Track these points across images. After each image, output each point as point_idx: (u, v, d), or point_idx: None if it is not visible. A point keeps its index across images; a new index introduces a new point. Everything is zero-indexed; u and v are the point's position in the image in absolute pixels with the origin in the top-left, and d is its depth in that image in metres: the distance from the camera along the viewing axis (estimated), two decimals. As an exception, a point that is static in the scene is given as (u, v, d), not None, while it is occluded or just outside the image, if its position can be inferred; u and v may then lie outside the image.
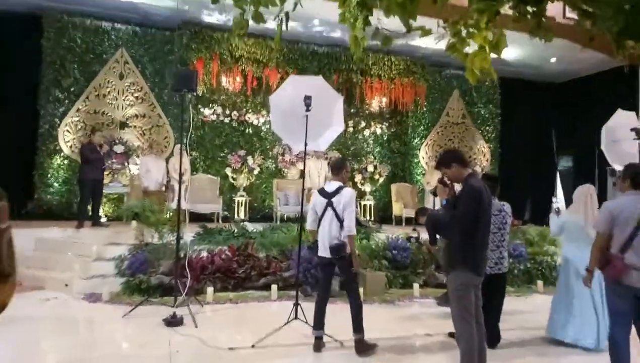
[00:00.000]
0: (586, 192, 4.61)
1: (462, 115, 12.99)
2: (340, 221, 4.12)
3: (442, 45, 2.93)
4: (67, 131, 9.71)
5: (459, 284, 3.11)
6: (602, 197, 9.56)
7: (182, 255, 6.33)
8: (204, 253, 6.54)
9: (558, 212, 5.36)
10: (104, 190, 8.63)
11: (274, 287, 6.00)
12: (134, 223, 7.12)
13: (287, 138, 4.93)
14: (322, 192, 4.32)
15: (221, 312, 5.34)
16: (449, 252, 3.17)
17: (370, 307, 5.77)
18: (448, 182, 3.28)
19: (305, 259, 6.14)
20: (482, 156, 13.04)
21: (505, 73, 13.24)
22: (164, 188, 9.02)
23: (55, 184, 9.61)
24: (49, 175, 9.55)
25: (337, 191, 4.22)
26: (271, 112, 4.85)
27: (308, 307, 5.44)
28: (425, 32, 2.55)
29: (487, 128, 13.30)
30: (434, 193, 3.43)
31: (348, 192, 4.26)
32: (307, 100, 4.51)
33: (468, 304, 3.09)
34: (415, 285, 6.42)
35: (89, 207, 8.14)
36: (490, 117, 13.36)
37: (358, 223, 9.46)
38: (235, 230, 7.53)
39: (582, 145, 12.19)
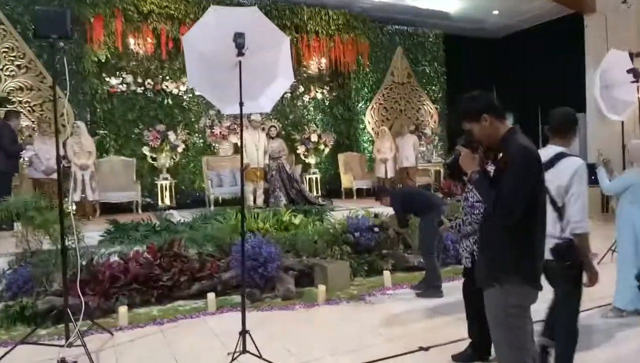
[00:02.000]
0: None
1: (407, 75, 11.99)
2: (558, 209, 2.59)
3: None
4: None
5: (510, 306, 1.90)
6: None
7: (82, 263, 4.81)
8: (115, 259, 5.00)
9: (607, 163, 4.46)
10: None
11: (210, 295, 4.62)
12: (16, 226, 5.39)
13: (212, 96, 3.51)
14: None
15: (139, 341, 3.89)
16: (489, 256, 1.97)
17: (336, 308, 4.59)
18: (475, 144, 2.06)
19: (248, 252, 4.81)
20: (430, 117, 12.17)
21: (448, 29, 12.39)
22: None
23: None
24: None
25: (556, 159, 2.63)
26: (186, 58, 3.39)
27: (259, 319, 4.18)
28: None
29: (433, 88, 12.44)
30: (452, 167, 2.15)
31: (575, 163, 2.58)
32: (239, 39, 3.09)
33: (522, 333, 1.91)
34: (386, 274, 5.31)
35: None
36: (436, 75, 12.50)
37: (307, 201, 8.27)
38: (157, 223, 5.99)
39: (525, 102, 11.63)
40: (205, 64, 3.33)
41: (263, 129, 8.42)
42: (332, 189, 10.72)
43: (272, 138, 8.25)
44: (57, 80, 4.02)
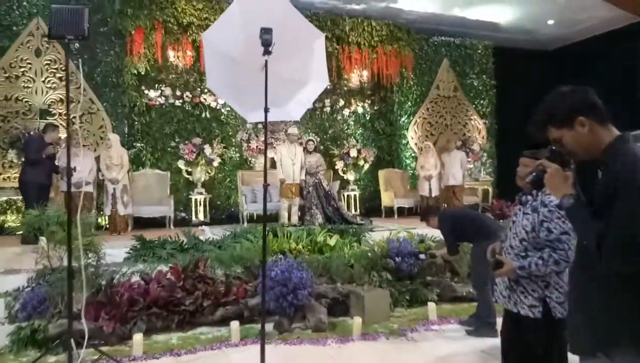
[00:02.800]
0: None
1: (453, 88, 11.38)
2: None
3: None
4: (-26, 124, 7.64)
5: None
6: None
7: (102, 283, 4.52)
8: (136, 279, 4.68)
9: None
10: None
11: (234, 324, 4.19)
12: (41, 240, 5.20)
13: (235, 102, 3.13)
14: None
15: (153, 376, 3.52)
16: (591, 314, 1.40)
17: (373, 345, 4.05)
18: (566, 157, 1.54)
19: (277, 277, 4.37)
20: (477, 133, 11.46)
21: (498, 40, 11.70)
22: (91, 190, 7.07)
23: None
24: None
25: None
26: (206, 58, 3.03)
27: (285, 354, 3.72)
28: None
29: (482, 101, 11.74)
30: (537, 184, 1.61)
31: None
32: (266, 35, 2.69)
33: None
34: (431, 305, 4.72)
35: None
36: (484, 89, 11.80)
37: (344, 219, 7.78)
38: (184, 241, 5.67)
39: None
40: (227, 64, 2.95)
41: (300, 143, 8.05)
42: (372, 207, 10.19)
43: (310, 152, 7.85)
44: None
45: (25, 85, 7.93)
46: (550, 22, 11.27)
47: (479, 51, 11.76)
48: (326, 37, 9.41)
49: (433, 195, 9.16)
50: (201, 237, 6.21)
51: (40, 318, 4.14)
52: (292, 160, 7.42)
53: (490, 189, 10.59)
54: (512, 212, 2.63)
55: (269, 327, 4.42)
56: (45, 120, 7.97)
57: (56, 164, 6.61)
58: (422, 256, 5.12)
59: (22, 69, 7.91)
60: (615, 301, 1.36)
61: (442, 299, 5.26)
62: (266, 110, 2.68)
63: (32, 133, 7.24)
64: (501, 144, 11.51)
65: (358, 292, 4.67)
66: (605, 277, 1.36)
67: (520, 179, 2.53)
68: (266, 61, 2.72)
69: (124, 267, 4.91)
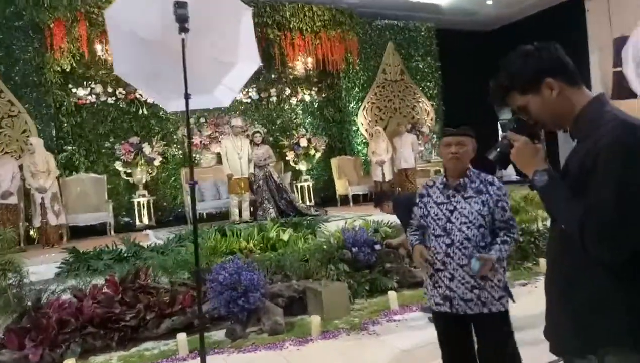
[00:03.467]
0: None
1: (399, 71, 11.28)
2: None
3: None
4: None
5: None
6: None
7: (28, 304, 4.01)
8: (66, 297, 4.18)
9: None
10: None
11: (181, 336, 3.80)
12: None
13: (150, 89, 2.73)
14: None
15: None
16: (578, 311, 1.16)
17: (334, 344, 3.79)
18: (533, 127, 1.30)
19: (226, 281, 4.02)
20: (426, 115, 11.44)
21: (441, 22, 11.69)
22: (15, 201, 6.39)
23: None
24: None
25: None
26: (110, 39, 2.61)
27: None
28: None
29: (428, 84, 11.72)
30: (502, 161, 1.35)
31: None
32: (180, 9, 2.30)
33: None
34: (391, 294, 4.51)
35: None
36: (430, 71, 11.78)
37: (298, 212, 7.48)
38: (122, 249, 5.18)
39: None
40: (136, 45, 2.54)
41: (247, 136, 7.65)
42: (327, 197, 9.96)
43: (257, 144, 7.47)
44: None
45: None
46: (489, 1, 11.38)
47: (423, 33, 11.72)
48: (267, 24, 9.16)
49: (386, 179, 9.03)
50: (145, 243, 5.75)
51: (-48, 352, 3.60)
52: (238, 154, 7.02)
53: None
54: (427, 203, 2.28)
55: (221, 334, 4.08)
56: (-42, 127, 7.16)
57: None
58: (377, 246, 4.90)
59: None
60: (606, 295, 1.13)
61: (403, 286, 5.08)
62: (187, 96, 2.31)
63: None
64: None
65: (315, 288, 4.39)
66: (592, 266, 1.13)
67: (448, 160, 2.26)
68: (183, 40, 2.34)
69: (54, 284, 4.38)
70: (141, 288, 4.38)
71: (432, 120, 11.45)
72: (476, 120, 11.89)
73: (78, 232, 7.37)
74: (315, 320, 4.02)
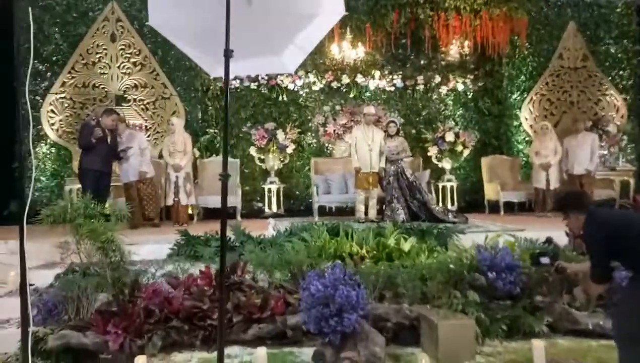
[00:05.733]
0: None
1: (582, 57, 9.22)
2: None
3: None
4: (52, 111, 7.71)
5: None
6: None
7: (125, 286, 3.90)
8: (162, 282, 3.98)
9: None
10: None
11: (261, 351, 3.25)
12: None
13: (192, 47, 2.16)
14: None
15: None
16: None
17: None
18: None
19: (317, 295, 3.33)
20: (615, 111, 9.17)
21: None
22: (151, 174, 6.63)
23: (42, 178, 7.70)
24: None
25: None
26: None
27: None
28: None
29: (621, 73, 9.38)
30: None
31: None
32: None
33: None
34: (537, 343, 3.32)
35: None
36: (625, 57, 9.40)
37: (432, 216, 6.46)
38: (231, 238, 4.89)
39: None
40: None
41: (378, 122, 6.87)
42: (473, 202, 8.64)
43: (391, 136, 6.63)
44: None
45: (102, 72, 7.85)
46: None
47: (618, 10, 9.39)
48: (417, 3, 8.19)
49: (552, 187, 7.38)
50: (264, 232, 5.42)
51: (54, 323, 3.62)
52: (369, 145, 6.30)
53: (632, 181, 8.36)
54: None
55: (309, 353, 3.43)
56: (121, 107, 7.84)
57: (118, 148, 6.23)
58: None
59: (98, 55, 7.82)
60: None
61: (557, 331, 3.82)
62: (228, 53, 1.65)
63: (86, 119, 7.02)
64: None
65: (430, 318, 3.45)
66: None
67: None
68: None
69: (154, 266, 4.25)
70: (235, 285, 3.98)
71: (622, 117, 9.14)
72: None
73: (212, 214, 7.50)
74: (424, 360, 3.10)
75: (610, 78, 9.29)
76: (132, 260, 4.22)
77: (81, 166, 5.96)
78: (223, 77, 1.92)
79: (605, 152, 8.68)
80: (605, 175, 8.30)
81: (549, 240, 4.61)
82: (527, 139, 8.92)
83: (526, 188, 8.03)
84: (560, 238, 4.59)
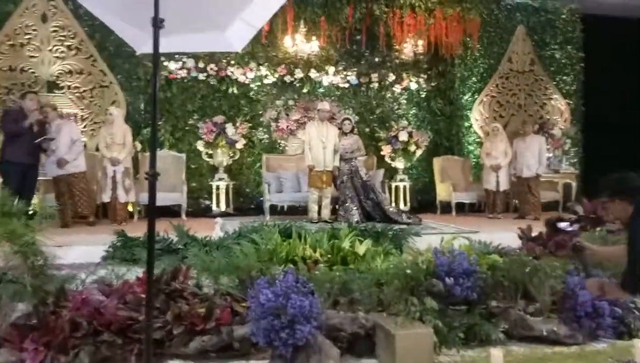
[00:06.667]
0: None
1: (529, 61, 9.46)
2: None
3: None
4: (-26, 97, 6.94)
5: None
6: None
7: (49, 295, 3.44)
8: (92, 290, 3.55)
9: None
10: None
11: (203, 368, 2.94)
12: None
13: (118, 17, 1.87)
14: None
15: None
16: None
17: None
18: None
19: (267, 304, 3.06)
20: (559, 115, 9.49)
21: (587, 4, 9.56)
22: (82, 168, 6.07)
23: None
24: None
25: None
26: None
27: None
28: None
29: (565, 78, 9.72)
30: None
31: None
32: None
33: None
34: (495, 352, 3.21)
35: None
36: (569, 62, 9.75)
37: (386, 217, 6.34)
38: (173, 240, 4.51)
39: None
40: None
41: (333, 119, 6.67)
42: (425, 202, 8.64)
43: (346, 134, 6.44)
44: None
45: (31, 55, 7.13)
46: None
47: (564, 16, 9.71)
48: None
49: (502, 189, 7.49)
50: (209, 233, 5.05)
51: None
52: (323, 143, 6.09)
53: (574, 184, 8.66)
54: None
55: (259, 370, 3.16)
56: (53, 94, 7.16)
57: (43, 138, 5.60)
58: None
59: (28, 37, 7.10)
60: None
61: (512, 337, 3.74)
62: (156, 23, 1.36)
63: (11, 105, 6.34)
64: (589, 129, 9.48)
65: (386, 327, 3.26)
66: None
67: None
68: None
69: (83, 272, 3.80)
70: (176, 292, 3.62)
71: (565, 121, 9.47)
72: (624, 122, 9.77)
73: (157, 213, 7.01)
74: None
75: (555, 83, 9.59)
76: (59, 264, 3.76)
77: (3, 158, 5.33)
78: (152, 52, 1.61)
79: (550, 155, 8.94)
80: (551, 178, 8.54)
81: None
82: (477, 140, 9.03)
83: (477, 190, 8.12)
84: (513, 240, 4.57)
